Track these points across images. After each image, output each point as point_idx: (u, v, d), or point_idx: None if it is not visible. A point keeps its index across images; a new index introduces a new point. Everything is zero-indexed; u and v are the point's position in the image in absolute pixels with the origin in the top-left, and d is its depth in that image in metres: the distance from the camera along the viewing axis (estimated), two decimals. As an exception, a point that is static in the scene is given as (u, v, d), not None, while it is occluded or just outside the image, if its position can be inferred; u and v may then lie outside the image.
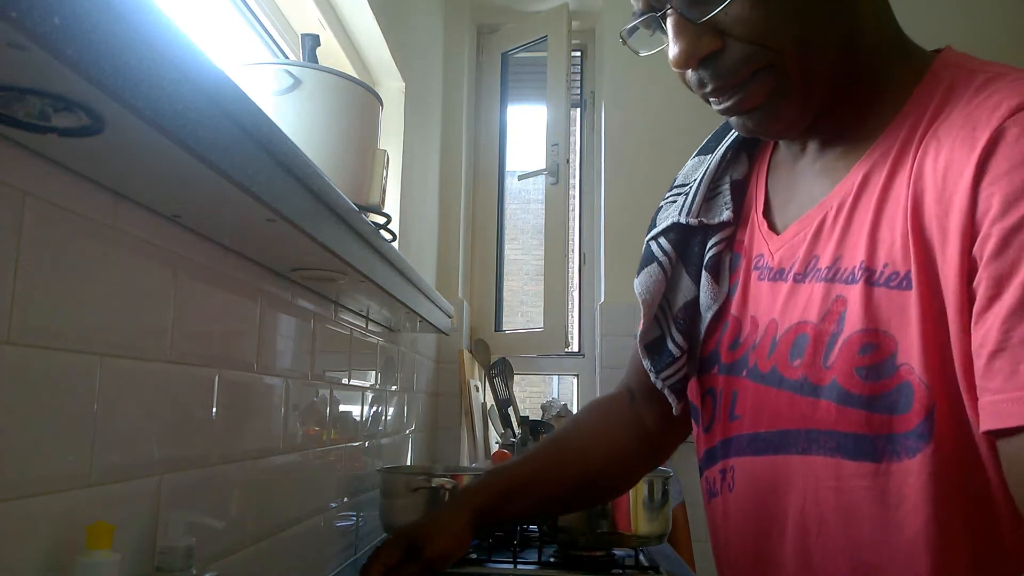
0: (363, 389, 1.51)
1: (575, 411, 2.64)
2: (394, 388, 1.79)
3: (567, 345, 2.66)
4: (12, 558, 0.57)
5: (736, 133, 0.75)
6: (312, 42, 1.23)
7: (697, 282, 0.74)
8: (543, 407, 2.56)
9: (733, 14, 0.57)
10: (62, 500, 0.62)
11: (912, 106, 0.59)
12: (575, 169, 2.95)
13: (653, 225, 0.81)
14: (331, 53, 1.63)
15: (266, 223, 0.75)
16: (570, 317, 2.83)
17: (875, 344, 0.55)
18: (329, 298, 1.27)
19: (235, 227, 0.81)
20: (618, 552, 1.39)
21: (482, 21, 2.96)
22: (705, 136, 0.83)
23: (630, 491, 1.30)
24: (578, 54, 3.03)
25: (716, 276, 0.72)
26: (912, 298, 0.54)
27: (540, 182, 2.80)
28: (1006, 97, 0.52)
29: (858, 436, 0.56)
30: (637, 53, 0.66)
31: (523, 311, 7.96)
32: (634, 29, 0.64)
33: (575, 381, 2.86)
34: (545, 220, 2.79)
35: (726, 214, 0.73)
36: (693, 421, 0.81)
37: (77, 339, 0.64)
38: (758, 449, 0.66)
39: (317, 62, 1.21)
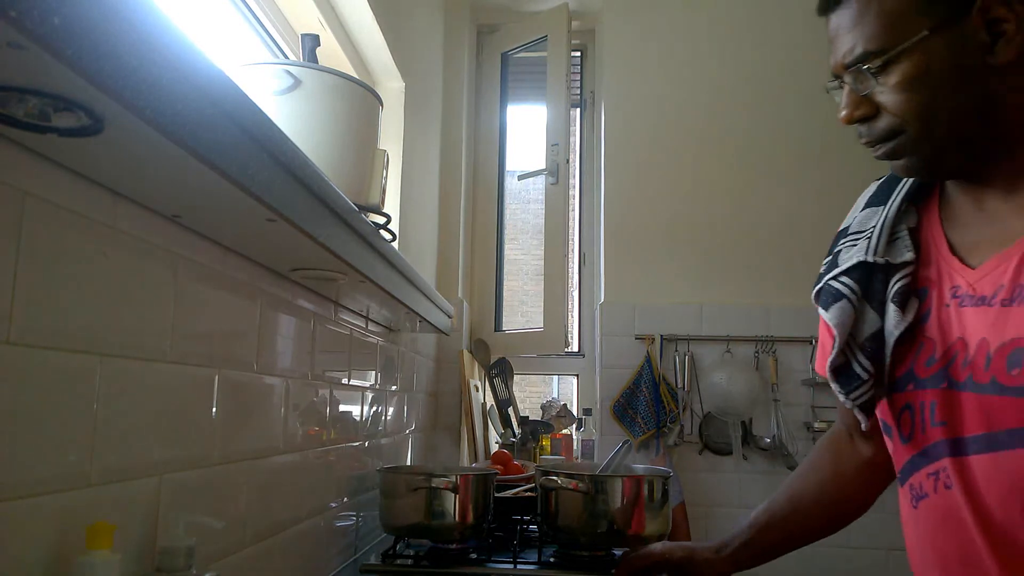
0: (363, 389, 1.51)
1: (575, 411, 2.64)
2: (394, 388, 1.79)
3: (567, 345, 2.67)
4: (12, 558, 0.57)
5: (904, 187, 0.90)
6: (312, 42, 1.23)
7: (882, 314, 0.85)
8: (543, 407, 2.56)
9: (881, 95, 0.79)
10: (62, 500, 0.62)
11: None
12: (575, 169, 2.95)
13: (830, 267, 0.92)
14: (331, 53, 1.63)
15: (266, 223, 0.75)
16: (570, 317, 2.83)
17: None
18: (329, 298, 1.27)
19: (235, 227, 0.81)
20: (618, 552, 1.39)
21: (482, 21, 2.96)
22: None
23: (630, 491, 1.30)
24: (578, 54, 3.03)
25: (902, 307, 0.84)
26: None
27: (540, 182, 2.80)
28: None
29: None
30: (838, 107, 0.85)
31: (523, 311, 7.96)
32: (833, 88, 0.85)
33: (575, 381, 2.86)
34: (545, 220, 2.79)
35: (908, 255, 0.85)
36: (886, 436, 0.91)
37: (77, 339, 0.64)
38: (981, 449, 0.76)
39: (317, 62, 1.21)
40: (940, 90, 0.77)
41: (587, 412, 2.58)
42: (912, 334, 0.84)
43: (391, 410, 1.77)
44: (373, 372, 1.59)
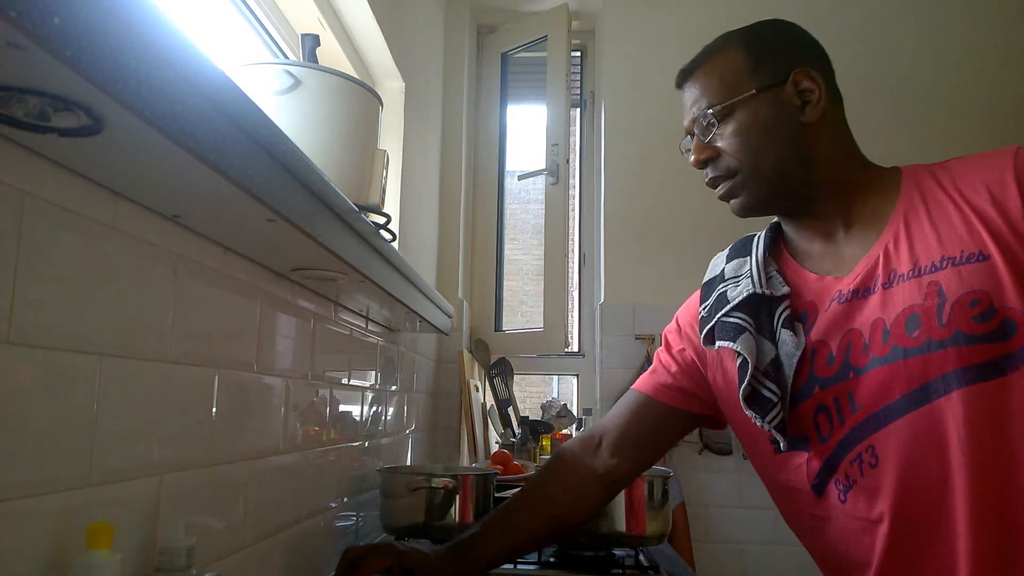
0: (363, 389, 1.51)
1: (575, 411, 2.64)
2: (394, 388, 1.79)
3: (567, 345, 2.67)
4: (12, 558, 0.57)
5: (759, 240, 1.05)
6: (312, 42, 1.23)
7: (774, 342, 0.95)
8: (543, 407, 2.56)
9: (721, 140, 0.97)
10: (62, 500, 0.62)
11: (910, 184, 0.92)
12: (575, 169, 2.95)
13: (717, 307, 1.02)
14: (331, 53, 1.63)
15: (266, 223, 0.75)
16: (570, 317, 2.83)
17: (979, 299, 0.80)
18: (329, 298, 1.27)
19: (235, 227, 0.81)
20: (618, 552, 1.39)
21: (482, 21, 2.96)
22: None
23: (630, 491, 1.30)
24: (578, 54, 3.03)
25: (794, 330, 0.94)
26: (993, 265, 0.81)
27: (540, 182, 2.80)
28: (1003, 150, 0.86)
29: (985, 363, 0.79)
30: (687, 155, 1.04)
31: (523, 311, 7.96)
32: (685, 146, 1.04)
33: (575, 381, 2.86)
34: (545, 220, 2.79)
35: (784, 289, 0.97)
36: (794, 453, 0.95)
37: (77, 339, 0.64)
38: (898, 413, 0.84)
39: (317, 62, 1.21)
40: (764, 138, 0.95)
41: (587, 412, 2.59)
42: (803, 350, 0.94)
43: (391, 410, 1.77)
44: (373, 372, 1.59)
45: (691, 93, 1.01)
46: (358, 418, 1.48)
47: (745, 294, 0.99)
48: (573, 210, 2.96)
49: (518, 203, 8.81)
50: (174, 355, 0.79)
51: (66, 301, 0.62)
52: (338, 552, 1.35)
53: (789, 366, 0.92)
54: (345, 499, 1.38)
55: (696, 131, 1.00)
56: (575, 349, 2.88)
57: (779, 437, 0.92)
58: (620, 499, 1.30)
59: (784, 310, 0.96)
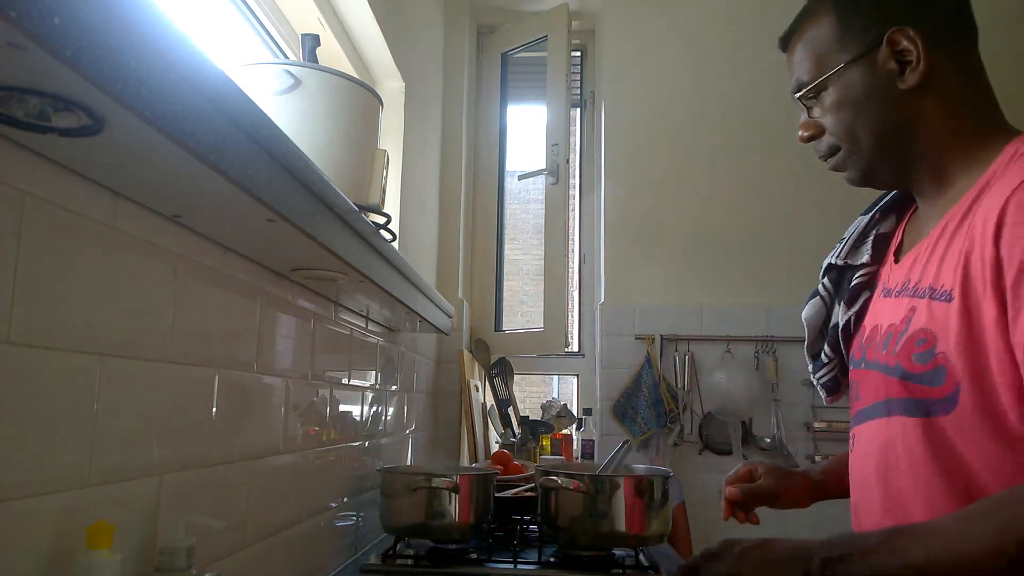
0: (363, 389, 1.51)
1: (575, 411, 2.64)
2: (394, 388, 1.79)
3: (567, 345, 2.67)
4: (12, 558, 0.57)
5: (884, 199, 1.03)
6: (312, 42, 1.23)
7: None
8: (543, 407, 2.56)
9: (820, 117, 0.95)
10: (62, 500, 0.62)
11: (983, 179, 0.84)
12: (575, 169, 2.95)
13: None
14: (331, 53, 1.63)
15: (266, 223, 0.75)
16: (570, 317, 2.83)
17: (925, 339, 0.82)
18: (329, 298, 1.27)
19: (235, 227, 0.81)
20: (618, 552, 1.39)
21: (482, 21, 2.96)
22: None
23: (630, 491, 1.30)
24: (578, 54, 3.03)
25: (850, 303, 1.00)
26: (952, 309, 0.78)
27: (540, 182, 2.80)
28: (1018, 173, 0.77)
29: (915, 400, 0.83)
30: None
31: (523, 311, 7.96)
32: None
33: (575, 381, 2.86)
34: (545, 220, 2.79)
35: (865, 257, 1.00)
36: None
37: (77, 339, 0.64)
38: (867, 418, 0.92)
39: (317, 62, 1.21)
40: (861, 111, 0.90)
41: (587, 412, 2.59)
42: (860, 324, 0.99)
43: (391, 410, 1.77)
44: (373, 372, 1.59)
45: (791, 63, 0.98)
46: (358, 418, 1.48)
47: (824, 264, 1.06)
48: (573, 210, 2.96)
49: (518, 203, 8.81)
50: (174, 355, 0.79)
51: (66, 301, 0.62)
52: (338, 552, 1.35)
53: (834, 336, 1.02)
54: (345, 499, 1.38)
55: (797, 107, 0.99)
56: (575, 349, 2.88)
57: (823, 394, 1.07)
58: (620, 499, 1.30)
59: (858, 278, 1.00)
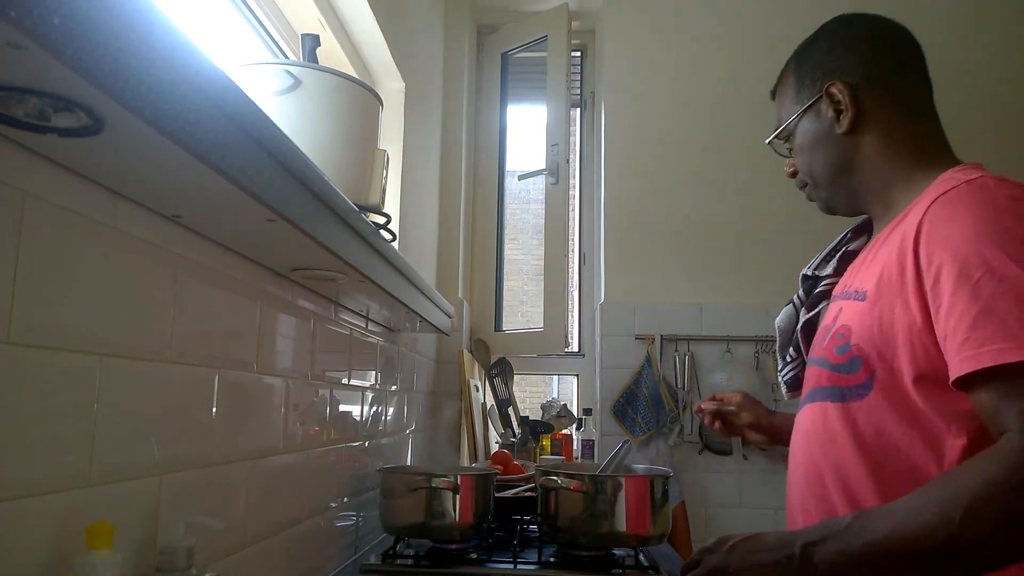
0: (363, 389, 1.51)
1: (575, 411, 2.64)
2: (394, 388, 1.79)
3: (567, 345, 2.66)
4: (12, 558, 0.57)
5: (862, 220, 1.15)
6: (312, 42, 1.23)
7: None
8: (543, 407, 2.56)
9: (792, 157, 1.11)
10: (62, 500, 0.62)
11: (911, 205, 0.95)
12: (575, 169, 2.95)
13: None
14: (331, 53, 1.63)
15: (266, 223, 0.75)
16: (570, 317, 2.83)
17: (843, 333, 0.96)
18: (329, 298, 1.27)
19: (235, 227, 0.81)
20: (618, 552, 1.39)
21: (482, 21, 2.95)
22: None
23: (630, 491, 1.30)
24: (578, 54, 3.03)
25: (810, 308, 1.16)
26: (863, 307, 0.93)
27: (540, 182, 2.80)
28: (932, 191, 0.90)
29: (834, 387, 0.97)
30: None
31: (523, 311, 7.96)
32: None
33: (575, 381, 2.86)
34: (545, 220, 2.79)
35: (830, 269, 1.16)
36: None
37: (77, 339, 0.64)
38: (804, 404, 1.06)
39: (317, 62, 1.21)
40: (814, 152, 1.06)
41: (587, 412, 2.58)
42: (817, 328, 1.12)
43: (391, 410, 1.77)
44: (373, 372, 1.59)
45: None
46: (358, 418, 1.48)
47: (801, 274, 1.23)
48: (573, 210, 2.96)
49: (518, 203, 8.81)
50: (174, 355, 0.79)
51: (66, 301, 0.62)
52: (338, 552, 1.35)
53: (796, 337, 1.19)
54: (345, 499, 1.38)
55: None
56: (575, 349, 2.88)
57: (784, 389, 1.24)
58: (620, 499, 1.30)
59: (821, 287, 1.16)
